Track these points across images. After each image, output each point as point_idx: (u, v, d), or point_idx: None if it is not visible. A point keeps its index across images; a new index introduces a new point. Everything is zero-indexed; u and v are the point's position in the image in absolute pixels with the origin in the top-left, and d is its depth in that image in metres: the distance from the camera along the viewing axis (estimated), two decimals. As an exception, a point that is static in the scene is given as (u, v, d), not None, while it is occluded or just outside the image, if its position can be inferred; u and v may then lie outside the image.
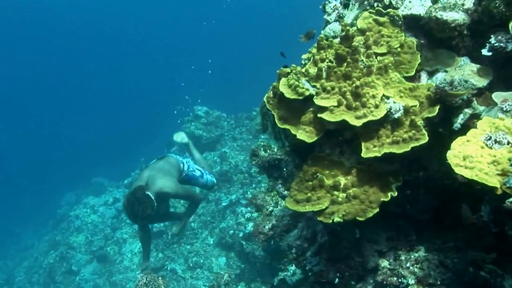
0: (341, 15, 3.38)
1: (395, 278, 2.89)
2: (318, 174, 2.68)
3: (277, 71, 2.90)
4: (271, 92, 2.89)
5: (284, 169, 5.11)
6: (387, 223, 3.07)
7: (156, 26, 33.40)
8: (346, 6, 3.52)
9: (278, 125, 2.78)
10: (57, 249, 11.70)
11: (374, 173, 2.63)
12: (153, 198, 4.96)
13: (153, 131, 19.84)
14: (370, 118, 2.46)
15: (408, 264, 2.88)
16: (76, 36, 32.54)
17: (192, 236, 10.10)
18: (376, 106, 2.48)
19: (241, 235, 8.74)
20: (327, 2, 3.61)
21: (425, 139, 2.41)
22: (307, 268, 3.34)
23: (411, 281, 2.82)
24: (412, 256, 2.91)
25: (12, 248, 15.17)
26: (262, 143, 5.25)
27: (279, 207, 5.17)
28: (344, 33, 2.64)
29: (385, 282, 2.92)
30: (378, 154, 2.46)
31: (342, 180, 2.65)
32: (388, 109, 2.47)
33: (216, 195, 10.93)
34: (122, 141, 22.32)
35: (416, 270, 2.85)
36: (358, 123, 2.46)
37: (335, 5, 3.59)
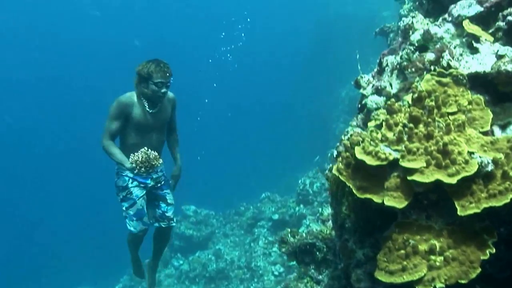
0: (379, 87, 3.44)
1: None
2: (410, 241, 2.60)
3: (345, 142, 2.87)
4: (342, 163, 2.84)
5: (317, 253, 4.99)
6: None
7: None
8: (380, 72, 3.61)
9: (358, 195, 2.71)
10: None
11: (467, 232, 2.56)
12: None
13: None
14: (464, 174, 2.43)
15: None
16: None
17: None
18: (466, 162, 2.46)
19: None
20: (360, 77, 3.69)
21: (521, 188, 2.38)
22: None
23: None
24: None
25: None
26: (290, 230, 5.16)
27: (315, 293, 4.99)
28: (416, 95, 2.66)
29: None
30: (478, 210, 2.41)
31: (437, 244, 2.57)
32: (479, 163, 2.45)
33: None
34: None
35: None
36: (452, 180, 2.42)
37: (369, 79, 3.67)
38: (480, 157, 2.51)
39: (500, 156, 2.51)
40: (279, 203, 12.67)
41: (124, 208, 5.56)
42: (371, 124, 2.92)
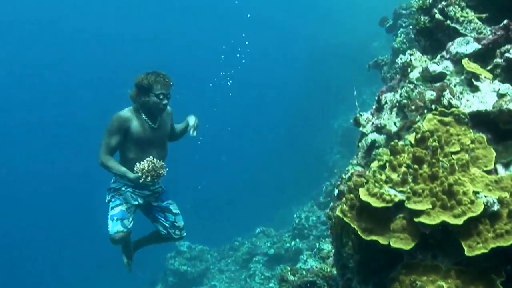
0: (378, 125, 3.43)
1: None
2: (417, 282, 2.56)
3: (349, 183, 2.86)
4: (346, 205, 2.82)
5: (319, 291, 4.93)
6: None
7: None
8: (379, 110, 3.60)
9: (363, 237, 2.68)
10: None
11: (475, 272, 2.53)
12: None
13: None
14: (470, 214, 2.41)
15: None
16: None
17: None
18: (472, 202, 2.44)
19: None
20: (359, 116, 3.68)
21: (528, 228, 2.37)
22: None
23: None
24: None
25: None
26: (290, 268, 5.12)
27: (319, 332, 4.91)
28: (419, 136, 2.66)
29: None
30: (485, 250, 2.39)
31: (444, 285, 2.53)
32: (485, 203, 2.44)
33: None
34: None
35: None
36: (459, 221, 2.40)
37: (368, 117, 3.67)
38: (485, 196, 2.50)
39: (506, 195, 2.50)
40: (275, 238, 12.62)
41: (109, 208, 5.34)
42: (374, 164, 2.90)
